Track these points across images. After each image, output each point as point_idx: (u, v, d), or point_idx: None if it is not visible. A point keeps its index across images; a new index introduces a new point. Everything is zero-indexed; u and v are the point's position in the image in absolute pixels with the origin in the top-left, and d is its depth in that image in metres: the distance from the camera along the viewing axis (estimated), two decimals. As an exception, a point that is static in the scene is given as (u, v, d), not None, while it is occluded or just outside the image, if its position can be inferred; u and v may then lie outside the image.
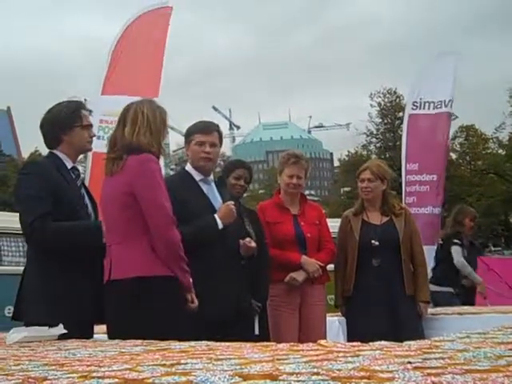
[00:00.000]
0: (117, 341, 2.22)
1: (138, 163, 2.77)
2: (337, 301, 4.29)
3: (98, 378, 1.19)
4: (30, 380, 1.20)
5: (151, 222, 2.73)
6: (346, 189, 35.44)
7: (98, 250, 2.86)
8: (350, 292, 4.15)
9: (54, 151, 3.07)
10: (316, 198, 45.97)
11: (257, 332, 3.74)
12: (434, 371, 1.10)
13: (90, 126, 3.14)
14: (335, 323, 4.54)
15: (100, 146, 3.98)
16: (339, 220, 4.46)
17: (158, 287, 2.69)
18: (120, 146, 2.85)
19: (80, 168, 3.63)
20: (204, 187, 3.49)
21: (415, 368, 1.15)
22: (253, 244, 3.58)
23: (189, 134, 3.54)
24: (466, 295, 6.28)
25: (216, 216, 3.35)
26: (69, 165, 3.06)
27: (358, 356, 1.39)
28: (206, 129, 3.52)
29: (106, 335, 2.87)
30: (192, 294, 2.85)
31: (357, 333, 3.85)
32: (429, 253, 6.00)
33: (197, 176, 3.49)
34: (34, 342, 2.31)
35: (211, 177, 3.57)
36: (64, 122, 3.04)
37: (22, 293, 2.93)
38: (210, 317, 3.02)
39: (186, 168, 3.58)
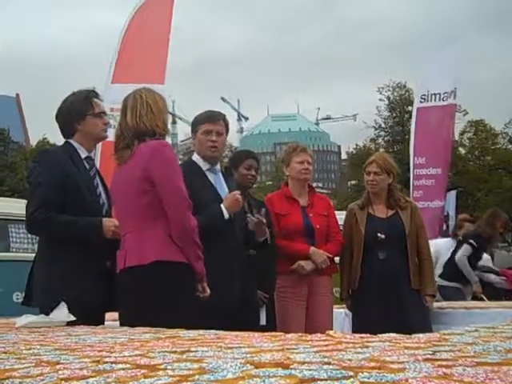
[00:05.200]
0: (126, 327, 2.23)
1: (153, 149, 2.73)
2: (342, 294, 4.29)
3: (111, 363, 1.20)
4: (42, 364, 1.22)
5: (169, 205, 2.69)
6: (353, 182, 35.27)
7: (108, 240, 2.86)
8: (356, 285, 4.15)
9: (70, 140, 3.07)
10: (323, 191, 45.83)
11: (263, 322, 3.75)
12: (444, 363, 1.10)
13: (103, 113, 3.13)
14: (341, 315, 4.55)
15: (110, 134, 3.97)
16: (347, 212, 4.45)
17: (174, 273, 2.66)
18: (126, 134, 2.82)
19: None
20: (211, 177, 3.48)
21: (426, 360, 1.15)
22: (255, 219, 3.53)
23: (195, 124, 3.55)
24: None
25: (222, 206, 3.34)
26: (83, 154, 3.05)
27: (367, 347, 1.39)
28: (212, 118, 3.52)
29: (113, 322, 2.88)
30: (203, 282, 2.82)
31: (363, 326, 3.86)
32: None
33: (204, 165, 3.49)
34: (42, 328, 2.33)
35: (218, 166, 3.56)
36: (76, 111, 3.03)
37: (31, 279, 2.95)
38: (213, 305, 3.01)
39: (193, 158, 3.57)
